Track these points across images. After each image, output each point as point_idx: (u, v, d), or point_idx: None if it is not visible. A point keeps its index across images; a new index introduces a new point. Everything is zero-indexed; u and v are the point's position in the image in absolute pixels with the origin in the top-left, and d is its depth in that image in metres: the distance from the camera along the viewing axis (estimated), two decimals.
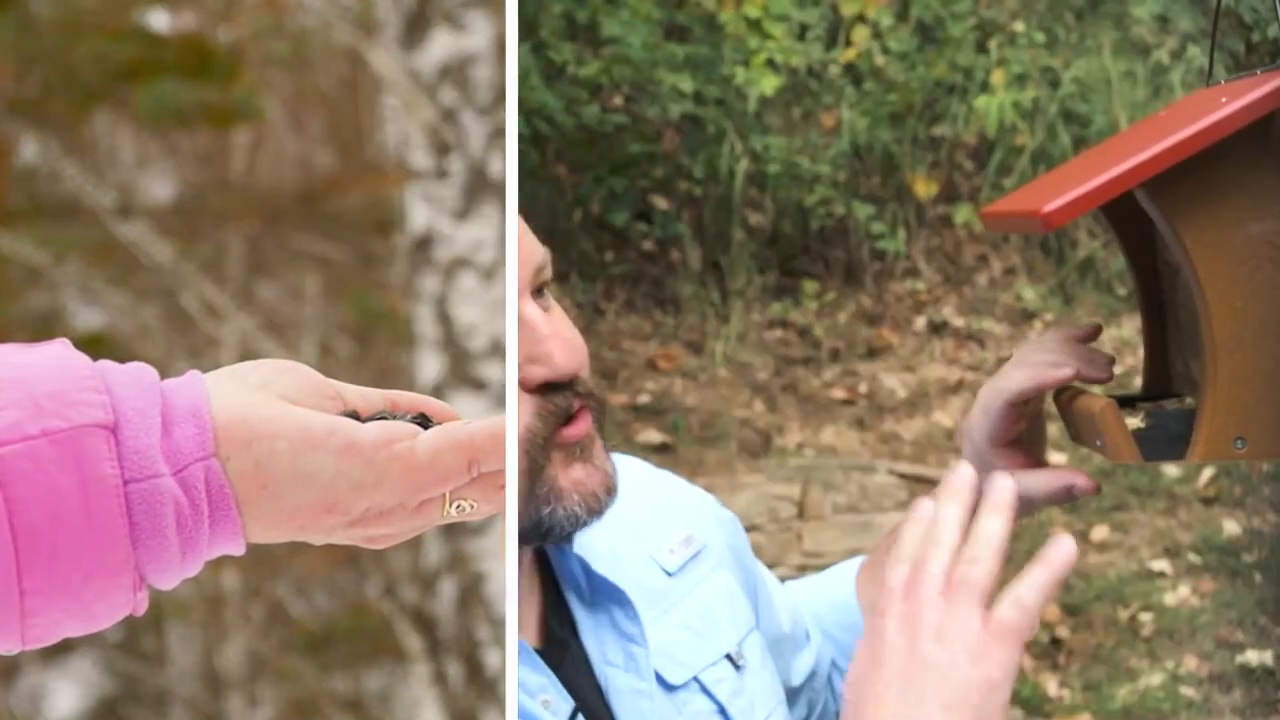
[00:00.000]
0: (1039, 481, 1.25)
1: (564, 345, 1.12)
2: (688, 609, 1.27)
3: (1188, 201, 1.08)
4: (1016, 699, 5.16)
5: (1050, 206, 1.09)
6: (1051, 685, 5.21)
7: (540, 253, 1.14)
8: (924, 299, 7.23)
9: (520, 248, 1.12)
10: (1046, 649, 5.38)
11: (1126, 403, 1.21)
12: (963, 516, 1.02)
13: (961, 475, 1.03)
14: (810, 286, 7.15)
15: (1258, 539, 5.71)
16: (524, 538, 1.12)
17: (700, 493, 1.43)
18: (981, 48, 7.38)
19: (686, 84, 6.85)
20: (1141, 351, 1.36)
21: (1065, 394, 1.26)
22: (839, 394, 6.62)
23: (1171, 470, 6.06)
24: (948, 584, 0.98)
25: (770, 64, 7.08)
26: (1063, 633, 5.40)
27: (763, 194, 7.31)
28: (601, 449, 1.17)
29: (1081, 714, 5.05)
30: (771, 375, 6.71)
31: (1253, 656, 5.12)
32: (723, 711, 1.23)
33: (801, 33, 7.36)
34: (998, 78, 7.15)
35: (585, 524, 1.14)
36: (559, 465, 1.12)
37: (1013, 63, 7.23)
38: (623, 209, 6.96)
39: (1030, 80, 7.26)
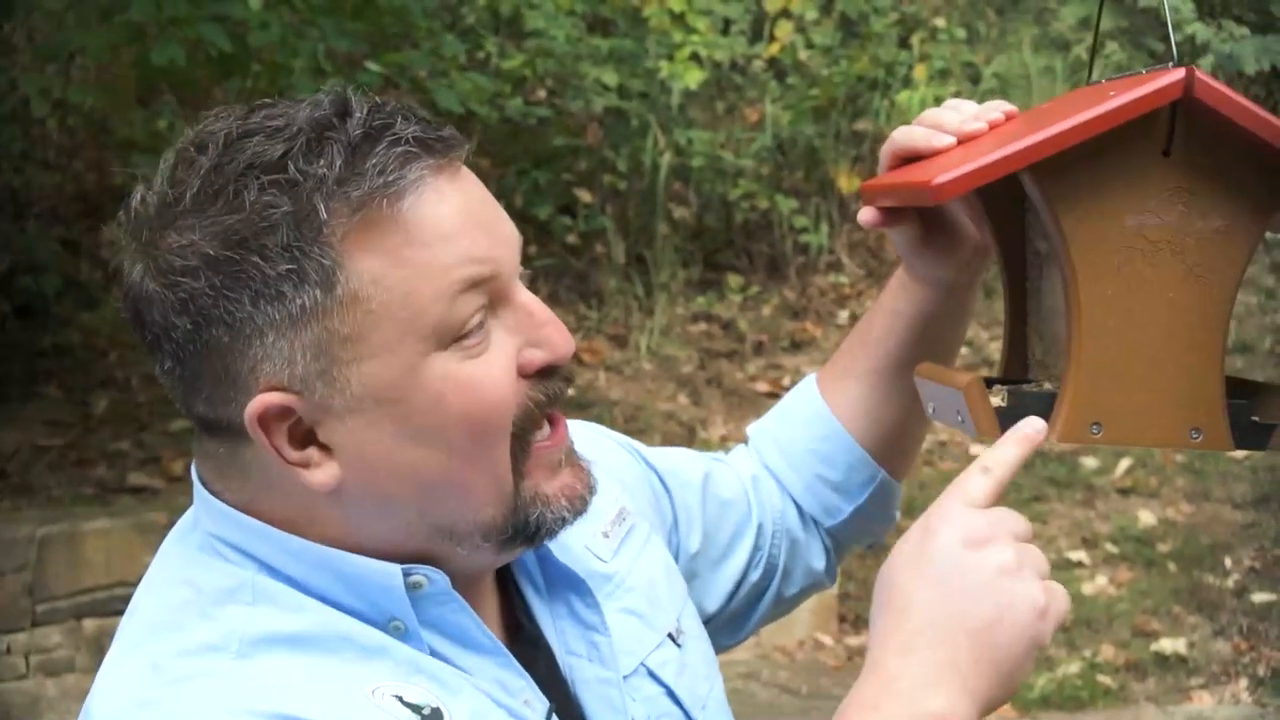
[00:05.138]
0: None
1: (559, 329, 1.11)
2: (629, 592, 1.26)
3: (1071, 189, 1.09)
4: None
5: (942, 179, 1.10)
6: None
7: (518, 238, 1.13)
8: (847, 292, 7.29)
9: (506, 229, 1.11)
10: None
11: (984, 384, 1.21)
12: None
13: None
14: (734, 280, 7.19)
15: (1172, 529, 5.80)
16: (511, 539, 1.11)
17: (606, 435, 1.42)
18: (904, 43, 7.45)
19: (610, 78, 6.85)
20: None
21: (924, 368, 1.27)
22: (763, 387, 6.66)
23: (1089, 462, 6.14)
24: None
25: (694, 58, 7.10)
26: None
27: (686, 187, 7.34)
28: (574, 449, 1.15)
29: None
30: (696, 368, 6.73)
31: (1167, 645, 5.21)
32: (670, 694, 1.24)
33: (725, 27, 7.39)
34: (920, 73, 7.22)
35: (569, 524, 1.13)
36: (542, 474, 1.11)
37: (934, 58, 7.31)
38: (546, 202, 6.96)
39: (952, 75, 7.34)
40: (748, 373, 6.72)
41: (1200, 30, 7.02)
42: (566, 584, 1.21)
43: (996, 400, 1.15)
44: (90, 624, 4.78)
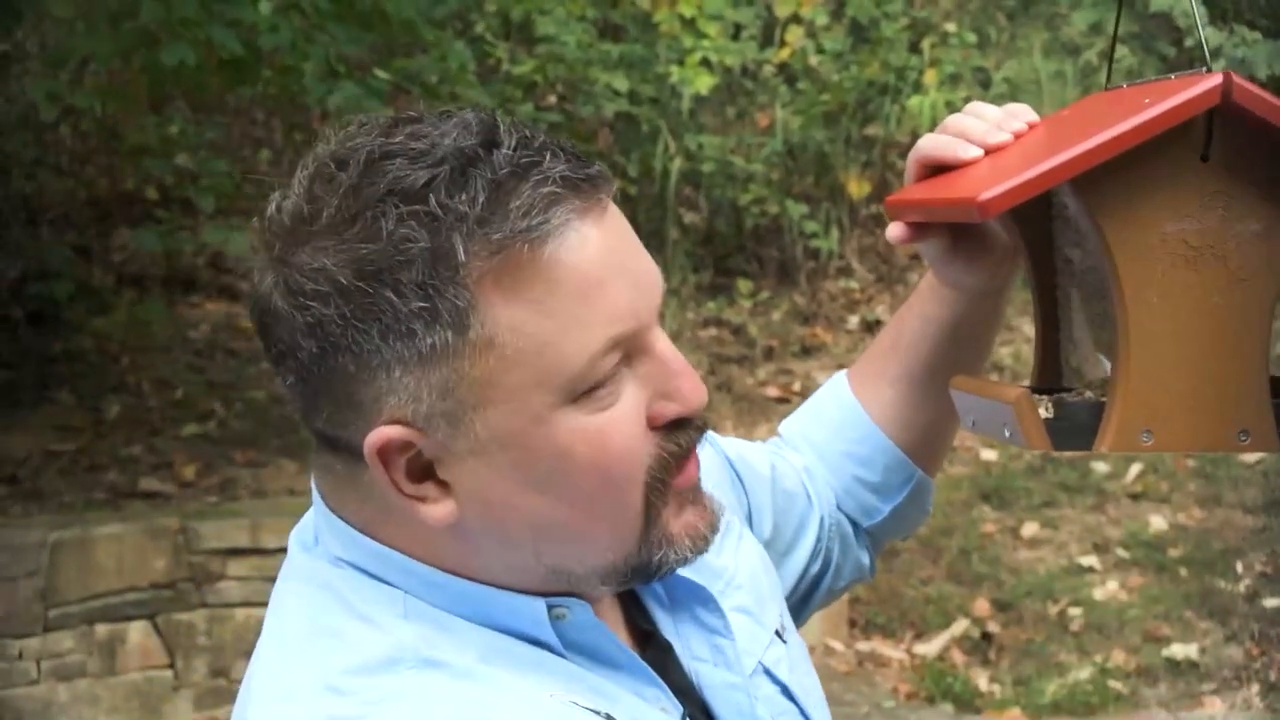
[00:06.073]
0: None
1: (693, 380, 1.06)
2: (739, 590, 1.24)
3: (1112, 198, 1.09)
4: (948, 694, 5.21)
5: (988, 194, 1.09)
6: (982, 680, 5.26)
7: (660, 278, 1.08)
8: (857, 298, 7.28)
9: (649, 273, 1.06)
10: (977, 644, 5.44)
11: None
12: None
13: None
14: (744, 285, 7.19)
15: (1183, 534, 5.80)
16: (630, 578, 1.08)
17: None
18: (914, 48, 7.44)
19: (621, 83, 6.86)
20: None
21: (961, 381, 1.26)
22: (773, 392, 6.66)
23: (1100, 466, 6.14)
24: None
25: (705, 63, 7.10)
26: (993, 628, 5.45)
27: (697, 193, 7.34)
28: (700, 485, 1.11)
29: (1012, 708, 5.10)
30: (706, 373, 6.73)
31: (1178, 650, 5.20)
32: (786, 691, 1.22)
33: (736, 32, 7.39)
34: (930, 77, 7.21)
35: (690, 562, 1.10)
36: (672, 511, 1.07)
37: (945, 63, 7.30)
38: None
39: (962, 80, 7.33)
40: (758, 378, 6.72)
41: (1212, 35, 7.00)
42: (687, 592, 1.19)
43: (1042, 411, 1.13)
44: (102, 629, 4.79)
